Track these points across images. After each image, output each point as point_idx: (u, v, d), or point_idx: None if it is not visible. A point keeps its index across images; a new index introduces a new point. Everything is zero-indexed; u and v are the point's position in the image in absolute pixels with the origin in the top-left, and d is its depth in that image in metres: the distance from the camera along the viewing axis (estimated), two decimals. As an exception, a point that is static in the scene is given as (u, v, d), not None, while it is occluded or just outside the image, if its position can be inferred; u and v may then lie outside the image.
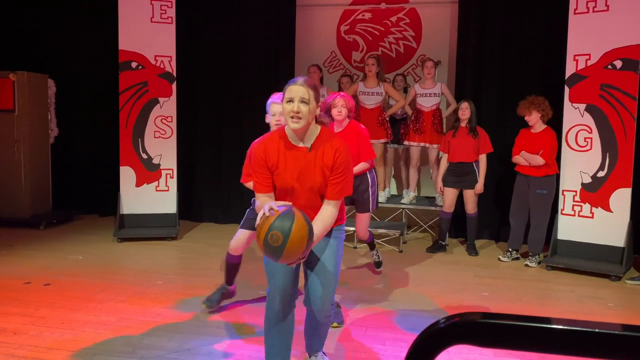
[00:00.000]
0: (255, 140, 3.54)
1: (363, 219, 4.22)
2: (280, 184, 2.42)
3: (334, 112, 3.94)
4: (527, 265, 5.01)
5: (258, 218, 2.14)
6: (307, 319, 2.69)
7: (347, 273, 4.67)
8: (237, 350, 3.07)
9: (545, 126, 5.00)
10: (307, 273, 2.55)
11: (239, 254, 3.74)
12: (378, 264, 4.61)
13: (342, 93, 4.09)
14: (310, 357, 2.84)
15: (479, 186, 5.24)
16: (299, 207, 2.27)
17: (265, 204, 2.19)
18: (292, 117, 2.30)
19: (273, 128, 3.37)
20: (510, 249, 5.22)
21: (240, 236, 3.74)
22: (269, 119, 3.43)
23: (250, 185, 3.58)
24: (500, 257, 5.23)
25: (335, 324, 3.41)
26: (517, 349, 0.75)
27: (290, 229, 2.08)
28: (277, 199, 2.44)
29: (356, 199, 4.15)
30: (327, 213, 2.39)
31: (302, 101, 2.29)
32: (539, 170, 4.94)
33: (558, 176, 5.00)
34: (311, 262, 2.51)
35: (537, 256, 5.04)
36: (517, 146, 5.11)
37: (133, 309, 3.68)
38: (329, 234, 2.50)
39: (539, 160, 4.90)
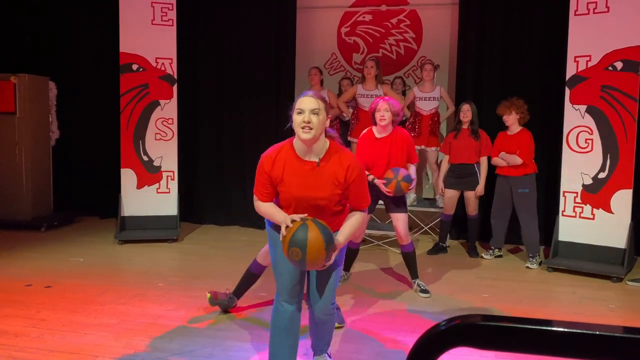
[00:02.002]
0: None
1: (401, 218, 4.08)
2: (285, 196, 2.44)
3: (377, 116, 3.90)
4: (528, 267, 5.01)
5: (281, 231, 2.31)
6: (310, 317, 2.72)
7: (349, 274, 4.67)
8: (238, 353, 3.06)
9: (521, 127, 5.13)
10: (310, 273, 2.61)
11: (267, 264, 3.59)
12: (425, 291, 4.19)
13: (387, 97, 4.05)
14: (314, 356, 2.86)
15: (480, 188, 5.25)
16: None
17: (278, 215, 2.41)
18: (302, 128, 2.33)
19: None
20: (492, 248, 5.35)
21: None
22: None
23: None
24: (483, 255, 5.35)
25: (336, 325, 3.42)
26: (518, 352, 0.75)
27: (306, 244, 2.21)
28: (284, 203, 2.49)
29: (392, 200, 4.04)
30: (354, 219, 2.50)
31: (313, 112, 2.34)
32: (518, 170, 5.05)
33: (537, 175, 5.11)
34: None
35: (536, 257, 5.06)
36: (495, 148, 5.22)
37: (134, 311, 3.68)
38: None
39: (517, 159, 5.02)
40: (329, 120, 2.43)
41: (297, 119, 2.35)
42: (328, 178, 2.40)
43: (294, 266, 2.45)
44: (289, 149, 2.44)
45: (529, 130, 5.15)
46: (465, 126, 5.27)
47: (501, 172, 5.17)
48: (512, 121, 5.07)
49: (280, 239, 2.30)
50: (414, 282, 4.26)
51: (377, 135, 3.99)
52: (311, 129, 2.32)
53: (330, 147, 2.45)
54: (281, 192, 2.45)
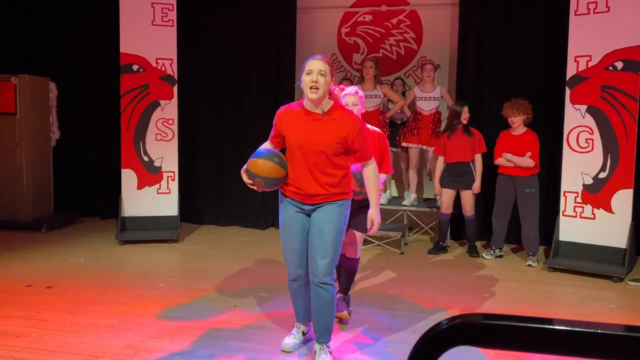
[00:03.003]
0: None
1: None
2: (292, 142, 2.78)
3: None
4: (530, 265, 5.04)
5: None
6: (310, 293, 2.90)
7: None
8: (238, 353, 3.06)
9: (526, 128, 5.14)
10: (309, 245, 2.85)
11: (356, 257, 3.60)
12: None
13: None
14: (314, 341, 2.98)
15: (476, 186, 5.28)
16: (307, 166, 2.74)
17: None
18: (310, 88, 2.66)
19: None
20: (493, 248, 5.32)
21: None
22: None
23: None
24: (484, 255, 5.33)
25: (342, 314, 3.47)
26: (519, 350, 0.75)
27: (257, 173, 2.79)
28: (289, 156, 2.84)
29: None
30: (369, 172, 2.85)
31: (320, 73, 2.66)
32: (526, 171, 5.06)
33: (537, 175, 5.13)
34: (313, 230, 2.81)
35: (536, 255, 5.10)
36: (498, 148, 5.22)
37: (134, 312, 3.68)
38: (333, 205, 2.80)
39: (528, 162, 5.03)
40: (333, 82, 2.76)
41: (306, 79, 2.68)
42: (330, 128, 2.72)
43: (294, 247, 2.87)
44: (299, 106, 2.82)
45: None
46: (460, 126, 5.31)
47: (506, 171, 5.15)
48: (519, 122, 5.09)
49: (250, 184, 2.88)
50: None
51: None
52: (318, 89, 2.65)
53: (335, 104, 2.79)
54: (288, 138, 2.80)
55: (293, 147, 2.78)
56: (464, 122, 5.28)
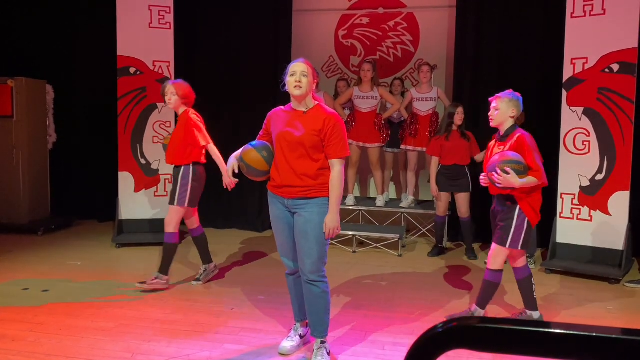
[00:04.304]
0: None
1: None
2: (275, 135, 2.99)
3: (166, 99, 4.28)
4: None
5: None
6: (303, 289, 3.02)
7: (347, 277, 4.67)
8: (236, 356, 3.06)
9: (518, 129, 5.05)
10: (295, 240, 3.00)
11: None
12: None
13: (178, 80, 4.35)
14: (310, 335, 3.10)
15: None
16: (284, 156, 2.92)
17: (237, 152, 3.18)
18: (295, 87, 2.87)
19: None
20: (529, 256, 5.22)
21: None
22: None
23: None
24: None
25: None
26: (515, 354, 0.75)
27: (242, 158, 3.04)
28: (275, 148, 3.04)
29: None
30: (333, 175, 2.90)
31: (303, 74, 2.88)
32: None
33: None
34: (297, 231, 2.94)
35: (533, 257, 5.10)
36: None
37: (132, 315, 3.67)
38: (313, 205, 2.90)
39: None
40: (315, 84, 2.95)
41: (290, 80, 2.89)
42: (309, 122, 2.90)
43: (283, 242, 3.04)
44: (288, 107, 3.03)
45: (527, 132, 5.15)
46: (455, 128, 5.28)
47: None
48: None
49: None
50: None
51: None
52: (301, 87, 2.86)
53: (318, 105, 2.97)
54: (273, 133, 3.02)
55: (276, 139, 2.98)
56: (459, 122, 5.25)
